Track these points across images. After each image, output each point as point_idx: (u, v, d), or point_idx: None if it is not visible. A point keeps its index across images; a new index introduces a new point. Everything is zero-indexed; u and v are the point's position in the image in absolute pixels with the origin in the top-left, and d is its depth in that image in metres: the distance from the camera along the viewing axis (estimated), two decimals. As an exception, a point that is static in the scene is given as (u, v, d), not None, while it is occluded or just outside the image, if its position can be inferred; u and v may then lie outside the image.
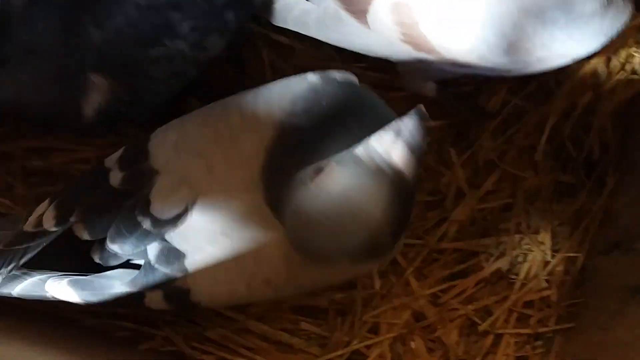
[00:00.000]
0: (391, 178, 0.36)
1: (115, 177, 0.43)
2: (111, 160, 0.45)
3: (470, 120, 0.62)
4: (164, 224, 0.42)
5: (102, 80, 0.48)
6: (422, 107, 0.37)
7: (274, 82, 0.45)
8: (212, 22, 0.51)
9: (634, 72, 0.62)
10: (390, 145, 0.36)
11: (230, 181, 0.41)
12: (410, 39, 0.51)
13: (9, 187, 0.58)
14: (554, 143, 0.62)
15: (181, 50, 0.50)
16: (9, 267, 0.42)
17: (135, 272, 0.44)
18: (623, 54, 0.62)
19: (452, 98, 0.61)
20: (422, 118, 0.37)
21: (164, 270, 0.43)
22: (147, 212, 0.42)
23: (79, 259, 0.44)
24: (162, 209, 0.42)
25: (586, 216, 0.60)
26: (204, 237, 0.42)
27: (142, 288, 0.44)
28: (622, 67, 0.62)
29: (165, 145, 0.44)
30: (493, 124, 0.62)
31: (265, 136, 0.41)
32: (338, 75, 0.45)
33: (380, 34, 0.52)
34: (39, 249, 0.42)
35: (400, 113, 0.59)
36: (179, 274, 0.43)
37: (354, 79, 0.46)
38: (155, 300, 0.45)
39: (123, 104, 0.50)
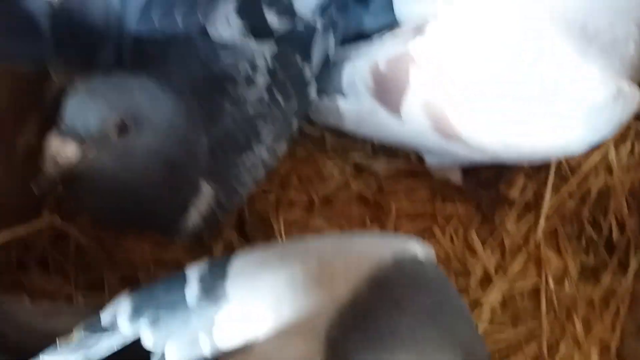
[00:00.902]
0: None
1: (191, 292, 0.43)
2: (192, 271, 0.45)
3: (493, 206, 0.65)
4: (223, 354, 0.42)
5: (208, 187, 0.50)
6: None
7: (359, 236, 0.49)
8: (284, 129, 0.55)
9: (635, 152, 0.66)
10: None
11: (292, 332, 0.41)
12: (440, 129, 0.54)
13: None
14: (575, 226, 0.65)
15: (261, 156, 0.54)
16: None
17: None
18: (630, 136, 0.66)
19: (476, 185, 0.65)
20: None
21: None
22: (210, 334, 0.42)
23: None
24: (223, 338, 0.42)
25: (614, 298, 0.62)
26: None
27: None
28: (631, 150, 0.67)
29: (242, 273, 0.44)
30: (515, 209, 0.65)
31: (335, 298, 0.41)
32: (419, 250, 0.45)
33: (413, 125, 0.56)
34: (109, 350, 0.42)
35: (425, 199, 0.66)
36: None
37: (431, 253, 0.47)
38: None
39: (221, 209, 0.52)
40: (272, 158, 0.55)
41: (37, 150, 0.50)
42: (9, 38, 0.50)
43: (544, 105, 0.51)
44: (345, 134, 0.63)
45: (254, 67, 0.53)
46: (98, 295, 0.58)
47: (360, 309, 0.39)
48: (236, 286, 0.43)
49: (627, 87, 0.49)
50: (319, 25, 0.57)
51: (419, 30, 0.54)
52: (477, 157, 0.57)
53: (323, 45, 0.57)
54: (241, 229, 0.65)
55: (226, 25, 0.54)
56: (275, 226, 0.64)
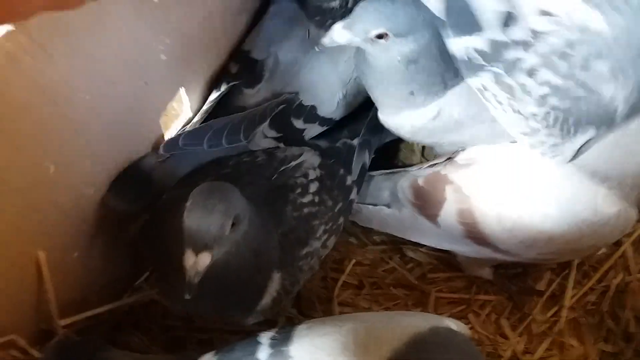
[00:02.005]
0: None
1: (263, 353, 0.51)
2: (263, 337, 0.52)
3: (523, 297, 0.74)
4: None
5: (278, 275, 0.58)
6: None
7: (402, 313, 0.57)
8: (333, 225, 0.64)
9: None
10: None
11: None
12: (471, 235, 0.65)
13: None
14: (596, 317, 0.72)
15: (317, 249, 0.62)
16: None
17: None
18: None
19: (506, 279, 0.74)
20: None
21: None
22: None
23: None
24: None
25: (632, 385, 0.68)
26: None
27: None
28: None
29: (306, 340, 0.51)
30: (542, 299, 0.73)
31: (382, 356, 0.47)
32: (454, 324, 0.51)
33: (448, 231, 0.67)
34: None
35: (462, 288, 0.75)
36: None
37: (464, 328, 0.54)
38: None
39: (286, 294, 0.60)
40: (324, 250, 0.64)
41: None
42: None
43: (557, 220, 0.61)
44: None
45: (307, 177, 0.64)
46: (179, 353, 0.68)
47: None
48: (300, 349, 0.51)
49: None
50: (356, 144, 0.70)
51: (450, 158, 0.68)
52: (502, 258, 0.67)
53: (360, 159, 0.70)
54: (299, 307, 0.75)
55: (262, 139, 0.66)
56: (328, 305, 0.74)
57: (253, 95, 0.69)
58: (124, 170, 0.60)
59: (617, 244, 0.75)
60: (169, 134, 0.64)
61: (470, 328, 0.72)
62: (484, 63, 0.56)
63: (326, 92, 0.70)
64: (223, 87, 0.69)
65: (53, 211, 0.52)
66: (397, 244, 0.78)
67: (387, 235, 0.78)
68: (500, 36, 0.55)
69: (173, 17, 0.58)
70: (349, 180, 0.68)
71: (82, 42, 0.48)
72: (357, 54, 0.65)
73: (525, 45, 0.54)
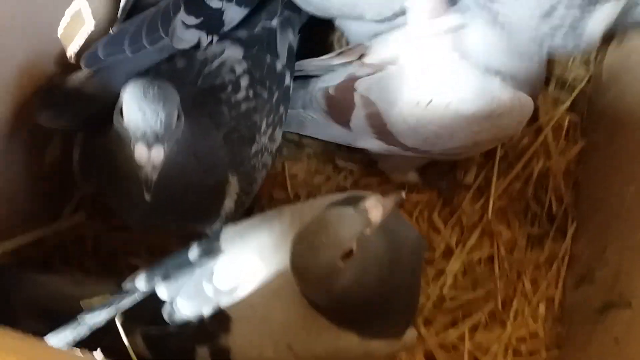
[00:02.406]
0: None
1: (193, 252, 0.55)
2: (193, 243, 0.56)
3: (452, 192, 0.76)
4: (221, 293, 0.53)
5: (234, 177, 0.59)
6: (403, 194, 0.48)
7: (324, 196, 0.59)
8: (274, 117, 0.64)
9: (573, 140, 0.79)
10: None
11: (274, 262, 0.52)
12: (381, 136, 0.67)
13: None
14: (521, 202, 0.76)
15: (264, 144, 0.62)
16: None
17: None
18: (565, 126, 0.79)
19: (435, 176, 0.76)
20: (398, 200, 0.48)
21: (213, 329, 0.53)
22: (210, 282, 0.54)
23: (154, 316, 0.54)
24: (221, 281, 0.53)
25: (555, 260, 0.73)
26: (247, 306, 0.52)
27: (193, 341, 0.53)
28: (566, 137, 0.79)
29: (232, 232, 0.55)
30: (470, 193, 0.76)
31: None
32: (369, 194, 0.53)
33: (360, 133, 0.68)
34: (134, 301, 0.53)
35: (389, 192, 0.75)
36: (224, 334, 0.53)
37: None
38: (203, 357, 0.53)
39: (246, 195, 0.61)
40: (272, 143, 0.64)
41: (59, 161, 0.60)
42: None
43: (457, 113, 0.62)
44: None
45: (234, 73, 0.62)
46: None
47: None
48: (228, 243, 0.54)
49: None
50: (275, 24, 0.67)
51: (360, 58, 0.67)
52: (413, 155, 0.69)
53: (285, 40, 0.68)
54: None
55: (183, 29, 0.61)
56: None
57: None
58: (50, 87, 0.57)
59: (538, 131, 0.79)
60: (72, 47, 0.60)
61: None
62: None
63: None
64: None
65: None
66: (329, 155, 0.79)
67: (318, 147, 0.79)
68: None
69: None
70: (279, 65, 0.66)
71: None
72: None
73: None
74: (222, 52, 0.63)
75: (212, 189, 0.58)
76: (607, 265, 0.63)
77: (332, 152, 0.78)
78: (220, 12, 0.65)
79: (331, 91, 0.68)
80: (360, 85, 0.66)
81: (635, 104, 0.64)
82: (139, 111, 0.46)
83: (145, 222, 0.58)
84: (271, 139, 0.63)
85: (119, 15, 0.64)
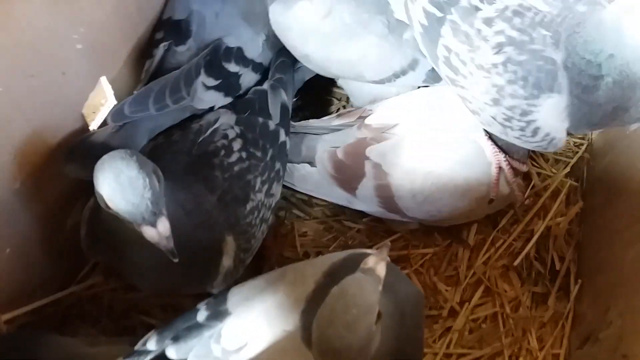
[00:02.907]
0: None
1: (201, 315, 0.57)
2: (201, 304, 0.58)
3: (456, 248, 0.79)
4: (229, 353, 0.55)
5: (230, 237, 0.61)
6: (388, 242, 0.52)
7: (325, 255, 0.61)
8: (270, 173, 0.67)
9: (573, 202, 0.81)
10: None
11: (279, 321, 0.54)
12: (385, 206, 0.71)
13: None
14: (524, 262, 0.78)
15: (261, 201, 0.65)
16: None
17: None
18: (565, 189, 0.82)
19: (437, 232, 0.79)
20: (386, 247, 0.50)
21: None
22: (218, 343, 0.55)
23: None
24: (229, 342, 0.55)
25: (560, 319, 0.74)
26: None
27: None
28: (566, 199, 0.81)
29: (239, 294, 0.57)
30: (473, 250, 0.78)
31: (307, 289, 0.54)
32: (367, 251, 0.56)
33: (364, 200, 0.72)
34: None
35: (396, 248, 0.78)
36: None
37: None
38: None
39: (245, 253, 0.63)
40: (270, 199, 0.67)
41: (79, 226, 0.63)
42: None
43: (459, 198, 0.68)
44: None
45: (227, 138, 0.65)
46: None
47: (319, 293, 0.52)
48: (234, 305, 0.56)
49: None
50: (266, 87, 0.72)
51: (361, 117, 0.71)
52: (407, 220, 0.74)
53: (277, 100, 0.71)
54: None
55: (203, 90, 0.66)
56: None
57: (185, 52, 0.70)
58: (78, 141, 0.60)
59: (538, 195, 0.82)
60: (94, 123, 0.64)
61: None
62: (443, 11, 0.57)
63: (249, 33, 0.72)
64: (155, 53, 0.69)
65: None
66: (337, 213, 0.82)
67: (327, 206, 0.82)
68: None
69: (85, 6, 0.58)
70: (272, 125, 0.70)
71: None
72: None
73: None
74: (216, 120, 0.67)
75: (209, 250, 0.59)
76: (610, 326, 0.64)
77: (341, 211, 0.81)
78: (237, 76, 0.71)
79: (340, 155, 0.71)
80: (372, 153, 0.69)
81: (630, 170, 0.67)
82: (126, 202, 0.47)
83: (154, 287, 0.61)
84: (268, 194, 0.66)
85: (142, 77, 0.69)
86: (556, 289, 0.76)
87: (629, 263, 0.64)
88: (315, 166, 0.73)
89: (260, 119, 0.69)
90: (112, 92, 0.66)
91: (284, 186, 0.75)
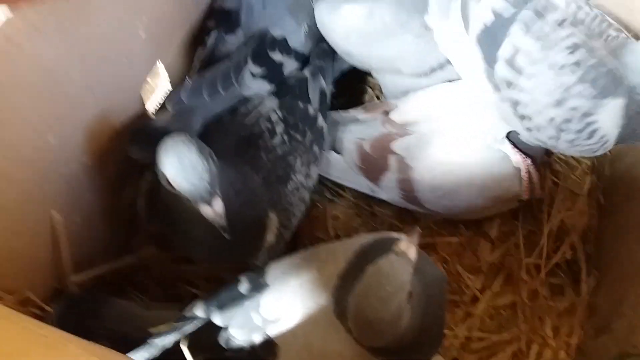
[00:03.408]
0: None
1: (243, 286, 0.61)
2: (243, 276, 0.62)
3: (479, 239, 0.83)
4: (267, 322, 0.59)
5: (274, 213, 0.66)
6: (418, 228, 0.54)
7: (355, 236, 0.64)
8: (309, 155, 0.71)
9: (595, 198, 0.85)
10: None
11: (313, 295, 0.58)
12: (406, 197, 0.75)
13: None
14: (544, 254, 0.81)
15: (300, 181, 0.69)
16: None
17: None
18: (586, 186, 0.85)
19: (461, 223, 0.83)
20: (417, 233, 0.54)
21: (263, 355, 0.60)
22: (258, 312, 0.60)
23: (213, 342, 0.61)
24: (267, 312, 0.60)
25: (576, 310, 0.78)
26: (290, 335, 0.58)
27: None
28: (589, 196, 0.85)
29: (276, 268, 0.62)
30: (495, 242, 0.82)
31: (339, 266, 0.57)
32: (397, 236, 0.58)
33: (386, 191, 0.76)
34: (195, 327, 0.59)
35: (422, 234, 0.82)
36: (272, 359, 0.58)
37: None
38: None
39: (286, 229, 0.67)
40: (308, 180, 0.71)
41: (134, 201, 0.68)
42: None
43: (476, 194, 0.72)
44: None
45: (270, 122, 0.69)
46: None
47: (350, 270, 0.56)
48: (273, 278, 0.61)
49: None
50: (307, 73, 0.76)
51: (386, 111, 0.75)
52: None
53: (316, 86, 0.75)
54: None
55: (251, 79, 0.71)
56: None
57: (235, 40, 0.75)
58: (141, 125, 0.66)
59: (560, 189, 0.85)
60: (150, 105, 0.69)
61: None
62: (514, 10, 0.60)
63: (292, 24, 0.75)
64: (207, 40, 0.74)
65: (57, 179, 0.57)
66: (367, 200, 0.85)
67: (358, 192, 0.85)
68: None
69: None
70: (311, 109, 0.74)
71: (73, 24, 0.52)
72: None
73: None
74: (261, 103, 0.71)
75: (255, 225, 0.64)
76: (623, 317, 0.69)
77: (370, 197, 0.85)
78: (281, 64, 0.75)
79: (366, 148, 0.75)
80: (396, 146, 0.73)
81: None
82: (187, 183, 0.52)
83: (205, 258, 0.66)
84: (307, 176, 0.71)
85: (194, 63, 0.74)
86: (573, 280, 0.80)
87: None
88: (341, 154, 0.77)
89: (301, 104, 0.73)
90: (167, 76, 0.71)
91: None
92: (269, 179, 0.66)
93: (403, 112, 0.75)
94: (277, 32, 0.74)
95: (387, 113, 0.76)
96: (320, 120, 0.74)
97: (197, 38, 0.76)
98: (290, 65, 0.76)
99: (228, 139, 0.68)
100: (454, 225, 0.83)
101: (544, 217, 0.83)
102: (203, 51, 0.74)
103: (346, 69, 0.85)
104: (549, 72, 0.59)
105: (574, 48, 0.58)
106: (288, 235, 0.69)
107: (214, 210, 0.53)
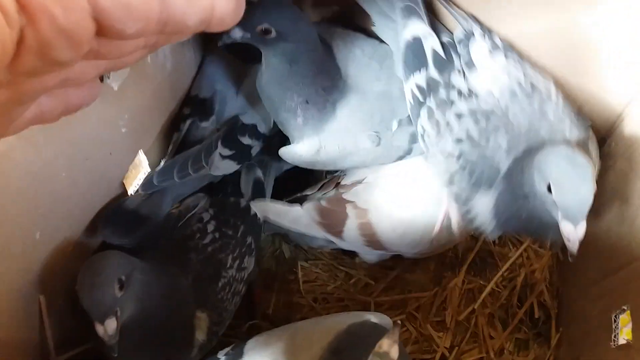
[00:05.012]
0: None
1: None
2: (222, 352, 0.64)
3: (445, 295, 0.88)
4: None
5: (202, 312, 0.67)
6: (398, 322, 0.53)
7: (331, 315, 0.67)
8: (242, 248, 0.74)
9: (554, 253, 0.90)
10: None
11: None
12: (370, 244, 0.79)
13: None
14: (508, 309, 0.87)
15: (232, 275, 0.71)
16: None
17: None
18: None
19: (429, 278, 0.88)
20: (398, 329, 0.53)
21: None
22: None
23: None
24: None
25: (542, 362, 0.83)
26: None
27: None
28: (550, 247, 0.90)
29: (254, 350, 0.62)
30: (462, 298, 0.87)
31: (314, 355, 0.56)
32: (373, 318, 0.60)
33: (351, 242, 0.81)
34: None
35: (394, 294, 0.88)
36: None
37: (387, 321, 0.62)
38: None
39: (217, 326, 0.69)
40: (242, 272, 0.74)
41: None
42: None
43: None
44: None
45: (202, 222, 0.73)
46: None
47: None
48: (251, 358, 0.61)
49: None
50: (242, 168, 0.80)
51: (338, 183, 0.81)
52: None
53: (250, 178, 0.80)
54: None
55: (220, 160, 0.75)
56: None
57: (208, 127, 0.81)
58: (113, 209, 0.70)
59: (520, 244, 0.91)
60: (131, 189, 0.74)
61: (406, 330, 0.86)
62: (424, 97, 0.68)
63: (263, 112, 0.80)
64: (182, 127, 0.80)
65: (42, 269, 0.62)
66: (340, 261, 0.92)
67: (330, 255, 0.92)
68: (436, 76, 0.67)
69: (129, 96, 0.69)
70: (243, 202, 0.78)
71: (59, 131, 0.58)
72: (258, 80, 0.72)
73: (460, 93, 0.66)
74: (195, 206, 0.76)
75: (180, 326, 0.66)
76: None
77: (344, 258, 0.92)
78: (250, 147, 0.81)
79: (324, 204, 0.80)
80: (348, 195, 0.78)
81: (601, 231, 0.76)
82: (87, 299, 0.56)
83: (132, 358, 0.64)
84: (239, 268, 0.73)
85: (169, 148, 0.80)
86: (537, 335, 0.85)
87: (595, 316, 0.73)
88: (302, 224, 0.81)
89: (232, 199, 0.77)
90: (147, 162, 0.77)
91: (288, 236, 0.85)
92: (198, 279, 0.68)
93: (351, 175, 0.81)
94: (247, 119, 0.81)
95: (339, 184, 0.82)
96: (253, 210, 0.78)
97: (174, 124, 0.82)
98: (258, 148, 0.82)
99: (163, 242, 0.71)
100: (420, 283, 0.88)
101: (509, 275, 0.88)
102: (178, 136, 0.80)
103: (285, 169, 0.89)
104: (440, 155, 0.67)
105: (458, 142, 0.65)
106: (221, 330, 0.71)
107: (105, 329, 0.56)
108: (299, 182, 0.89)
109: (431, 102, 0.68)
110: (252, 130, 0.80)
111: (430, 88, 0.68)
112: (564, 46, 0.69)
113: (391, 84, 0.74)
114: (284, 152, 0.76)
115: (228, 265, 0.71)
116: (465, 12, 0.71)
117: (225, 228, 0.74)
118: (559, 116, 0.64)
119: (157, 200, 0.74)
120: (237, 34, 0.64)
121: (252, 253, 0.76)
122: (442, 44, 0.69)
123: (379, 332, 0.61)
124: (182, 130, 0.80)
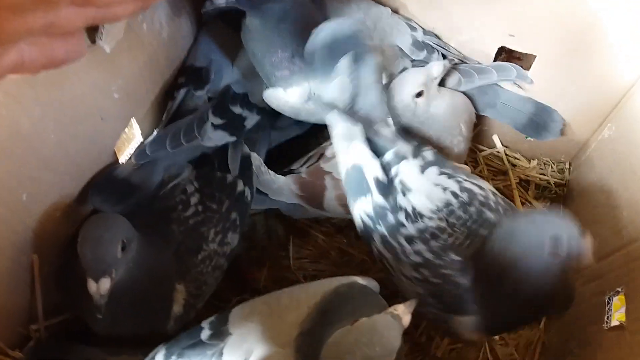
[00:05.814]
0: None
1: (205, 334, 0.62)
2: (205, 322, 0.63)
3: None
4: None
5: (182, 287, 0.66)
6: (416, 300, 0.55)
7: (317, 281, 0.65)
8: (225, 223, 0.72)
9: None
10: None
11: (274, 342, 0.57)
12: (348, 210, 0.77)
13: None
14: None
15: (214, 250, 0.70)
16: None
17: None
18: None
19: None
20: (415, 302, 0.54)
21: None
22: None
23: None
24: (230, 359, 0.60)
25: (530, 345, 0.82)
26: None
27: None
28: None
29: (239, 315, 0.62)
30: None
31: (301, 314, 0.57)
32: (360, 280, 0.61)
33: (332, 212, 0.79)
34: None
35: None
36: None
37: (374, 284, 0.62)
38: None
39: (195, 299, 0.68)
40: (225, 247, 0.72)
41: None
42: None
43: None
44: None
45: (185, 193, 0.71)
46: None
47: (312, 324, 0.57)
48: (235, 325, 0.61)
49: None
50: (230, 143, 0.76)
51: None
52: None
53: (236, 154, 0.77)
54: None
55: (212, 130, 0.73)
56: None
57: (203, 96, 0.80)
58: (104, 177, 0.69)
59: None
60: (123, 157, 0.73)
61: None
62: (372, 228, 0.67)
63: (256, 82, 0.78)
64: (177, 95, 0.79)
65: (30, 232, 0.61)
66: (334, 239, 0.91)
67: (326, 231, 0.91)
68: (381, 201, 0.67)
69: (123, 62, 0.68)
70: (230, 178, 0.75)
71: (47, 90, 0.57)
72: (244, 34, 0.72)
73: (407, 215, 0.65)
74: (178, 175, 0.74)
75: (160, 298, 0.65)
76: (570, 354, 0.73)
77: (338, 237, 0.90)
78: (241, 117, 0.79)
79: (303, 175, 0.79)
80: (326, 166, 0.78)
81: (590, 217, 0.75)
82: (86, 252, 0.55)
83: (107, 331, 0.64)
84: (222, 243, 0.72)
85: (163, 117, 0.79)
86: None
87: (587, 298, 0.73)
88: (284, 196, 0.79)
89: (218, 173, 0.75)
90: (139, 130, 0.76)
91: (281, 213, 0.84)
92: (179, 250, 0.67)
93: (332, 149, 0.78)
94: (238, 89, 0.79)
95: (322, 155, 0.80)
96: (240, 186, 0.76)
97: (168, 93, 0.81)
98: (252, 119, 0.80)
99: (148, 212, 0.70)
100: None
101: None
102: (172, 105, 0.79)
103: (283, 141, 0.89)
104: (403, 278, 0.66)
105: (417, 267, 0.64)
106: (199, 304, 0.70)
107: (98, 287, 0.55)
108: (288, 158, 0.87)
109: (382, 227, 0.67)
110: (243, 99, 0.79)
111: (378, 215, 0.67)
112: (571, 29, 0.68)
113: (383, 44, 0.72)
114: (269, 95, 0.74)
115: (210, 239, 0.70)
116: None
117: (209, 202, 0.72)
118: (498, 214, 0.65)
119: (149, 170, 0.73)
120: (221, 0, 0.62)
121: (236, 229, 0.74)
122: (383, 167, 0.69)
123: (366, 293, 0.61)
124: (176, 98, 0.79)
